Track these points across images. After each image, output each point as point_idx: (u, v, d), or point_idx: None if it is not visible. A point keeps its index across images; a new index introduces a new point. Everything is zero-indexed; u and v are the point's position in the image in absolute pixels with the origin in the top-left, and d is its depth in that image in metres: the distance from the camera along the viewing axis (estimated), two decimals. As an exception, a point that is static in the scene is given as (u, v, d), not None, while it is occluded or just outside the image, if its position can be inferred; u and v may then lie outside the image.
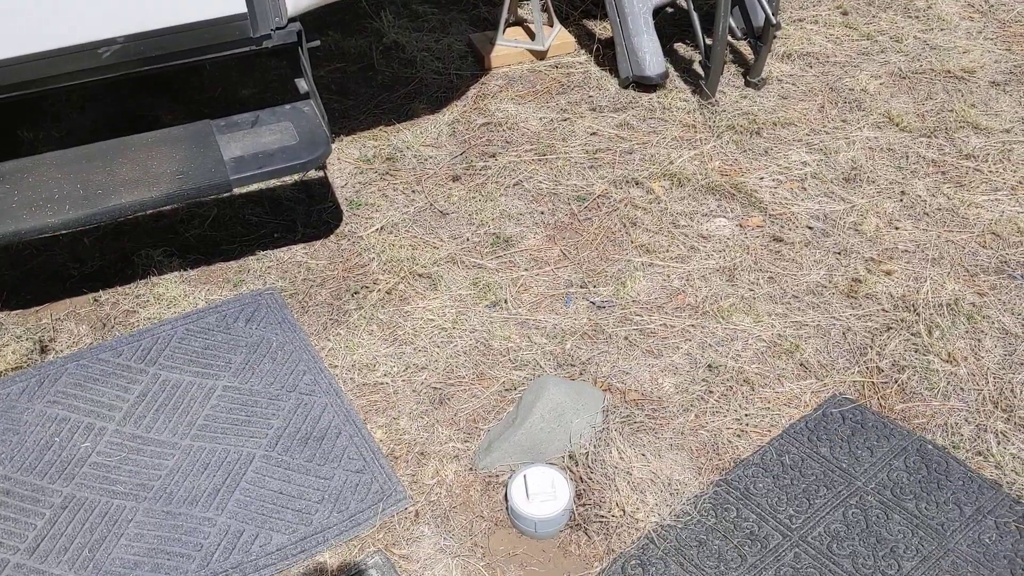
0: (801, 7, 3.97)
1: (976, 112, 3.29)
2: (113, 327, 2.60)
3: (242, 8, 2.39)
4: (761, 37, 3.39)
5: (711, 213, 2.94)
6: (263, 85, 3.45)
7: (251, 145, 2.50)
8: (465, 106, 3.49)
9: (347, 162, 3.20)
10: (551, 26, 3.79)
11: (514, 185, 3.09)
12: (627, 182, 3.08)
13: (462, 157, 3.22)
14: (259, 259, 2.81)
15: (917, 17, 3.88)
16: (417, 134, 3.32)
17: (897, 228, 2.82)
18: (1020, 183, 2.97)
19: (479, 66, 3.70)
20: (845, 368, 2.41)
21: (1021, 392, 2.30)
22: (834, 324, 2.53)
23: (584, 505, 2.09)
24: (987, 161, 3.06)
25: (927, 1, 3.98)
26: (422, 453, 2.23)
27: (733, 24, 3.53)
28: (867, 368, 2.40)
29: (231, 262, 2.81)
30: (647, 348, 2.49)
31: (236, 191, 2.88)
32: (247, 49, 2.47)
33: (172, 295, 2.69)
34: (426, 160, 3.20)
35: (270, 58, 2.60)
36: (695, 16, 3.43)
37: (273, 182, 3.05)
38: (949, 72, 3.52)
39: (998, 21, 3.85)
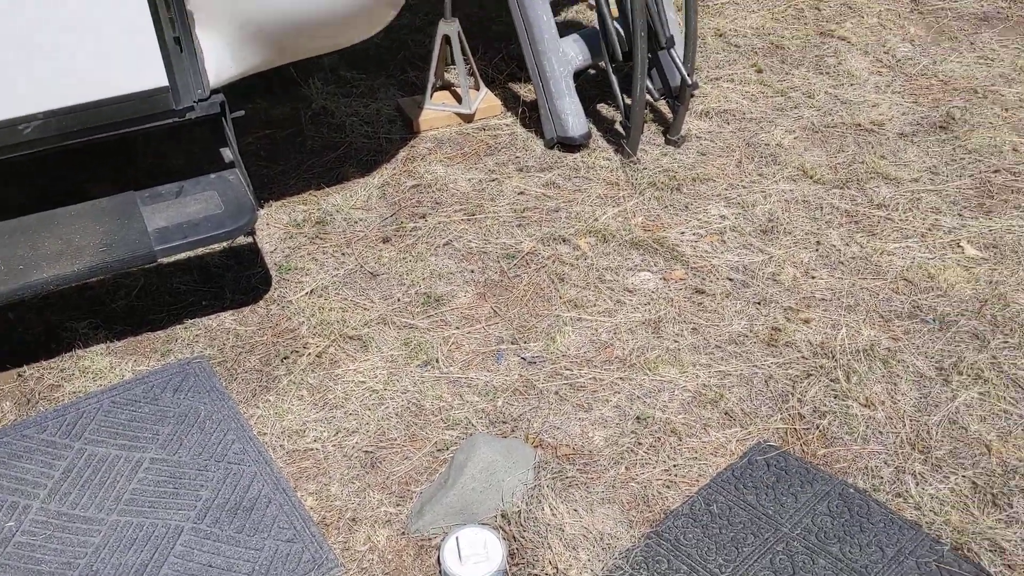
0: (717, 66, 4.12)
1: (886, 163, 3.43)
2: (37, 402, 2.56)
3: (164, 82, 2.41)
4: (679, 97, 3.51)
5: (636, 267, 3.01)
6: (189, 154, 3.47)
7: (176, 215, 2.51)
8: (395, 169, 3.53)
9: (277, 227, 3.21)
10: (477, 90, 3.87)
11: (444, 245, 3.13)
12: (554, 239, 3.14)
13: (392, 219, 3.26)
14: (187, 328, 2.80)
15: (828, 73, 4.05)
16: (347, 197, 3.35)
17: (813, 277, 2.92)
18: (929, 230, 3.10)
19: (408, 130, 3.76)
20: (768, 415, 2.47)
21: (937, 433, 2.38)
22: (756, 372, 2.60)
23: (518, 564, 2.10)
24: (897, 210, 3.19)
25: (837, 58, 4.16)
26: (354, 519, 2.23)
27: (651, 85, 3.65)
28: (789, 415, 2.47)
29: (158, 332, 2.79)
30: (577, 402, 2.53)
31: (162, 261, 2.88)
32: (170, 121, 2.50)
33: (98, 367, 2.66)
34: (356, 223, 3.23)
35: (195, 127, 2.63)
36: (614, 79, 3.54)
37: (201, 250, 3.04)
38: (859, 125, 3.68)
39: (905, 75, 4.04)
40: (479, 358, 2.69)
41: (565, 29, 3.75)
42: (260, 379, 2.62)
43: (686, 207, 3.26)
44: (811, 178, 3.37)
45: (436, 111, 3.79)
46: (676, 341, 2.71)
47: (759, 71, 4.08)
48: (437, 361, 2.66)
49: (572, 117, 3.51)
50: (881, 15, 4.52)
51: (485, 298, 2.92)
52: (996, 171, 3.38)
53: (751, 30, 4.41)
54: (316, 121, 3.81)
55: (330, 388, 2.58)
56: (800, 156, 3.50)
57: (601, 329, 2.77)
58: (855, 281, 2.90)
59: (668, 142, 3.60)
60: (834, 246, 3.04)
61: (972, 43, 4.27)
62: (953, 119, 3.68)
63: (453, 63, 3.73)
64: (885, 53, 4.20)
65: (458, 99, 3.83)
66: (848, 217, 3.18)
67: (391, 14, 2.98)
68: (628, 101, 3.45)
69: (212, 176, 2.66)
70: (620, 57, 3.48)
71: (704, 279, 2.94)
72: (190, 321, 2.82)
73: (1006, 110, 3.74)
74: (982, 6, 4.61)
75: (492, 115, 3.85)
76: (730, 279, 2.94)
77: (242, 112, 2.68)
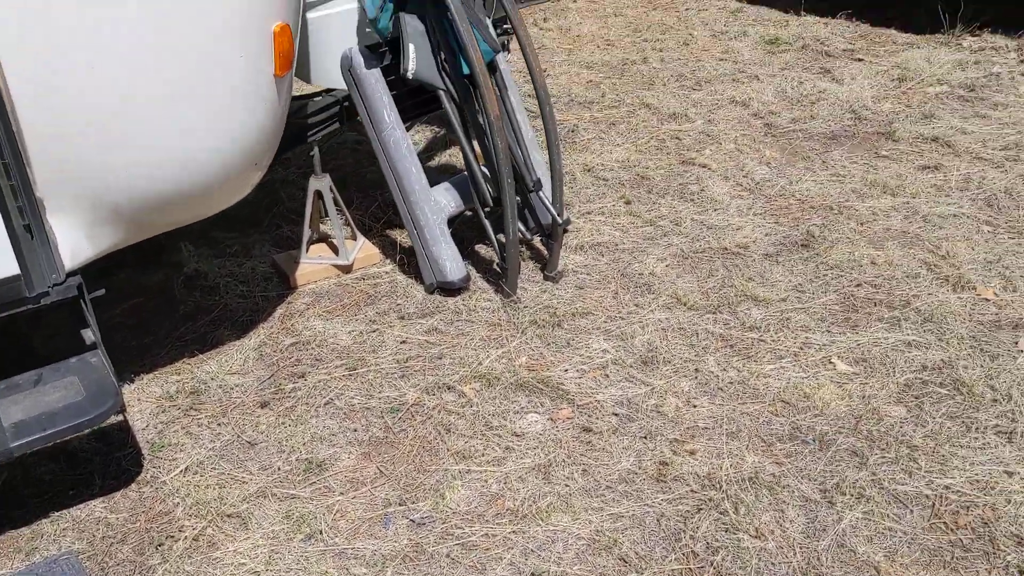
0: (588, 201, 4.24)
1: (754, 285, 3.55)
2: None
3: (15, 270, 2.33)
4: (551, 235, 3.59)
5: (522, 410, 3.00)
6: (48, 339, 3.33)
7: (33, 406, 2.39)
8: (272, 327, 3.47)
9: (148, 401, 3.09)
10: (354, 239, 3.88)
11: (325, 404, 3.06)
12: (439, 387, 3.11)
13: (270, 381, 3.18)
14: (53, 521, 2.63)
15: (693, 200, 4.22)
16: (222, 362, 3.26)
17: (695, 406, 2.96)
18: (801, 349, 3.19)
19: (285, 286, 3.72)
20: (663, 557, 2.44)
21: (827, 560, 2.39)
22: (648, 511, 2.58)
23: None
24: (769, 331, 3.29)
25: (700, 185, 4.34)
26: None
27: (523, 227, 3.73)
28: (683, 554, 2.45)
29: (22, 528, 2.61)
30: (470, 564, 2.45)
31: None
32: (24, 308, 2.40)
33: (-47, 576, 2.46)
34: (232, 389, 3.14)
35: (53, 311, 2.54)
36: (487, 223, 3.61)
37: (68, 433, 2.89)
38: (726, 249, 3.82)
39: (764, 196, 4.23)
40: (366, 524, 2.60)
41: (437, 175, 3.82)
42: (134, 571, 2.46)
43: (568, 343, 3.29)
44: (685, 305, 3.46)
45: (313, 264, 3.77)
46: (567, 485, 2.69)
47: (628, 202, 4.21)
48: (321, 533, 2.56)
49: (449, 262, 3.53)
50: (737, 140, 4.77)
51: (370, 457, 2.84)
52: (858, 284, 3.53)
53: (617, 163, 4.58)
54: (189, 285, 3.74)
55: (208, 574, 2.44)
56: (673, 283, 3.59)
57: (491, 480, 2.73)
58: (735, 407, 2.95)
59: (546, 278, 3.65)
60: (712, 372, 3.10)
61: (824, 162, 4.52)
62: (813, 237, 3.86)
63: (328, 215, 3.74)
64: (744, 177, 4.40)
65: (335, 250, 3.82)
66: (723, 341, 3.26)
67: (257, 176, 2.98)
68: (504, 240, 3.51)
69: (73, 360, 2.56)
70: (490, 202, 3.55)
71: (590, 416, 2.94)
72: (57, 513, 2.65)
73: (861, 224, 3.95)
74: (830, 126, 4.91)
75: (371, 264, 3.85)
76: (615, 414, 2.95)
77: (102, 291, 2.60)
